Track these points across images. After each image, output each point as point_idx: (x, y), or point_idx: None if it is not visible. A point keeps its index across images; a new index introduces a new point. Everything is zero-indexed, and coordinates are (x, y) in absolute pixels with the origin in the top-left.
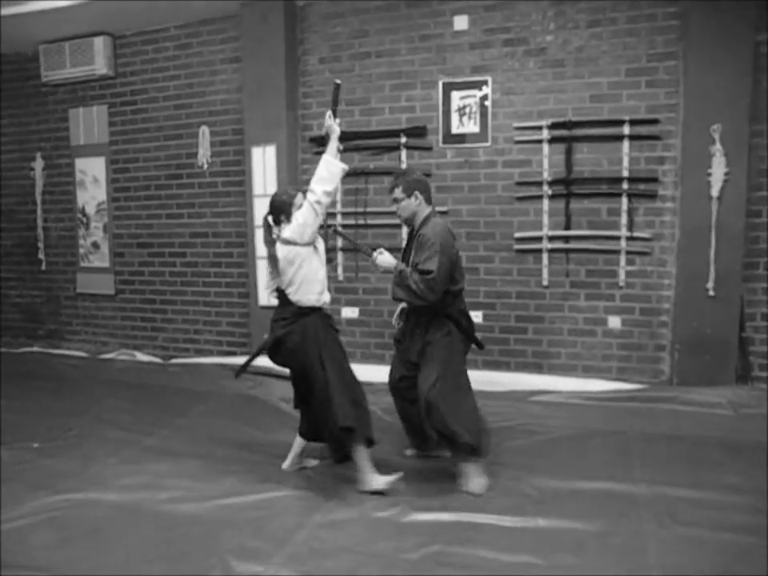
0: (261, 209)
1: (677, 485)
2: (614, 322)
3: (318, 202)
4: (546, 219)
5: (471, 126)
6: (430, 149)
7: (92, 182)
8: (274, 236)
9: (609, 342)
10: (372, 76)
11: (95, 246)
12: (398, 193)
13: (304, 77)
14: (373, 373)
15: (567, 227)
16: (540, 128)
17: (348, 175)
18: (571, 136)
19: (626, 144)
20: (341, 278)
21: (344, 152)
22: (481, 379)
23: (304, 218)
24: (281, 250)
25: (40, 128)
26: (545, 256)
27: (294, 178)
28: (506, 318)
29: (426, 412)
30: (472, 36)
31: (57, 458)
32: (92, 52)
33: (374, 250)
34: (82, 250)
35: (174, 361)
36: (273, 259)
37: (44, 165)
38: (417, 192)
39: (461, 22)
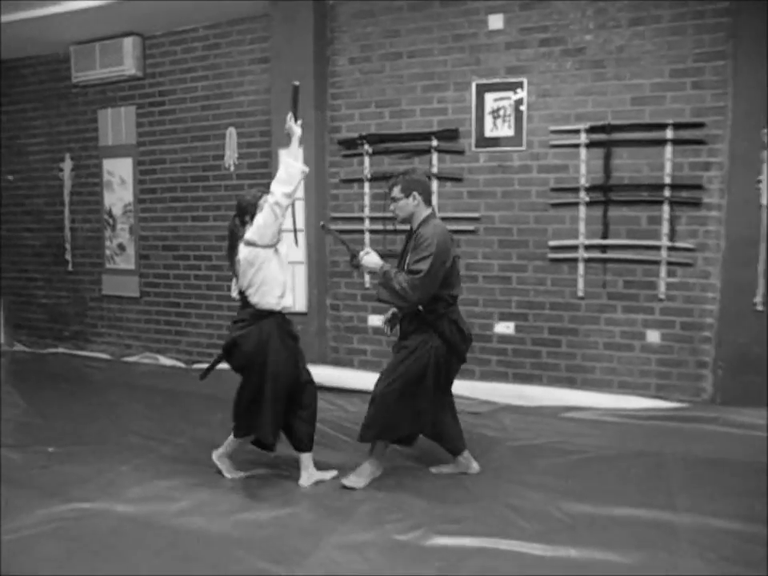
0: (288, 212)
1: (722, 515)
2: (653, 336)
3: (277, 204)
4: (582, 227)
5: (505, 130)
6: (462, 153)
7: (119, 184)
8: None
9: (647, 358)
10: (403, 77)
11: (121, 247)
12: (396, 192)
13: (333, 77)
14: None
15: (605, 236)
16: (577, 132)
17: (377, 179)
18: (610, 140)
19: (668, 149)
20: (368, 284)
21: (373, 155)
22: (510, 393)
23: (264, 220)
24: (242, 251)
25: (69, 129)
26: (581, 266)
27: (323, 181)
28: (539, 329)
29: (370, 404)
30: (507, 35)
31: (71, 463)
32: (121, 53)
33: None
34: (108, 252)
35: (196, 366)
36: (234, 260)
37: (72, 165)
38: (415, 192)
39: (496, 21)
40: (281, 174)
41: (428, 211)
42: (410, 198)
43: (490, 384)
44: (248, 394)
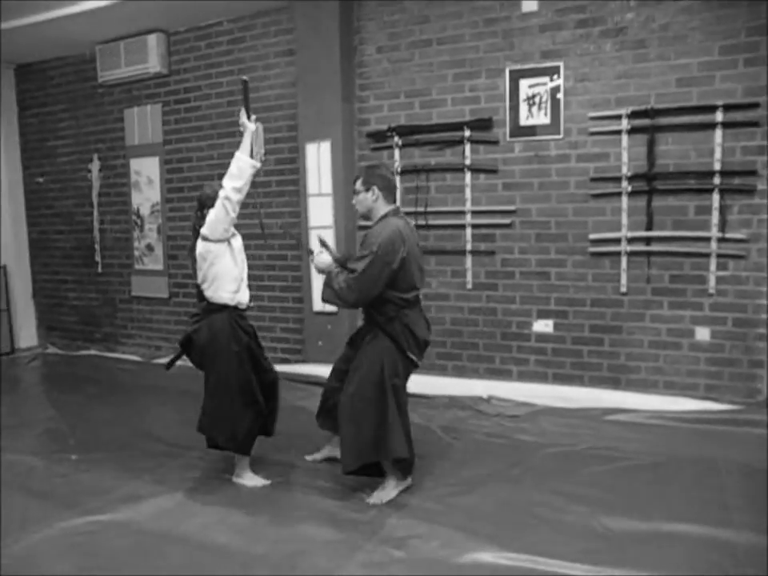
0: (316, 209)
1: None
2: (703, 333)
3: (227, 198)
4: (624, 219)
5: (541, 117)
6: (496, 143)
7: (146, 183)
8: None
9: (696, 357)
10: (433, 65)
11: (149, 248)
12: (358, 185)
13: (361, 68)
14: (431, 386)
15: (649, 227)
16: (618, 117)
17: (407, 172)
18: (654, 125)
19: (718, 133)
20: None
21: (403, 147)
22: (550, 394)
23: (215, 215)
24: (198, 245)
25: (97, 129)
26: (623, 260)
27: (351, 175)
28: (580, 327)
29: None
30: (542, 18)
31: (92, 472)
32: (146, 50)
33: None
34: (136, 253)
35: None
36: (192, 254)
37: (100, 166)
38: (375, 187)
39: (530, 4)
40: (231, 168)
41: (388, 208)
42: (369, 193)
43: (528, 385)
44: (208, 395)
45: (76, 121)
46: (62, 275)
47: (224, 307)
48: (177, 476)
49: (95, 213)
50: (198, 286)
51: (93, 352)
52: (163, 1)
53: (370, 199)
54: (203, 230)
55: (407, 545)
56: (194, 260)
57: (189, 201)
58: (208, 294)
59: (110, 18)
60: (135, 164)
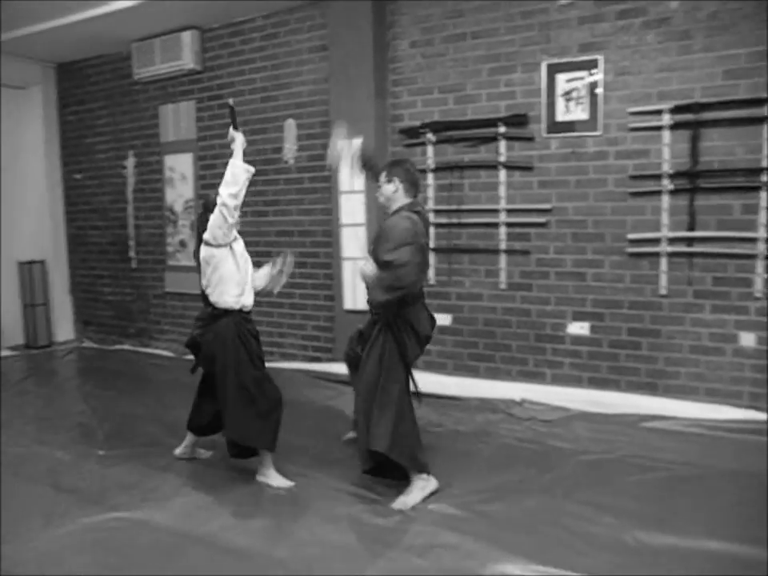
0: (348, 207)
1: None
2: (747, 339)
3: (224, 205)
4: (665, 218)
5: (579, 113)
6: (531, 139)
7: (180, 180)
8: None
9: (740, 363)
10: (467, 59)
11: (182, 244)
12: (382, 177)
13: (394, 63)
14: (462, 387)
15: (691, 227)
16: (660, 112)
17: (441, 170)
18: (698, 120)
19: (766, 128)
20: (432, 281)
21: (437, 144)
22: (585, 399)
23: (214, 220)
24: (201, 250)
25: (132, 126)
26: (663, 260)
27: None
28: (617, 330)
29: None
30: (581, 9)
31: (118, 467)
32: (180, 47)
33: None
34: (170, 249)
35: None
36: (197, 258)
37: (135, 162)
38: (396, 179)
39: None
40: (226, 175)
41: (406, 201)
42: (391, 184)
43: (562, 389)
44: (229, 401)
45: (113, 118)
46: (98, 270)
47: (229, 311)
48: (199, 474)
49: (130, 209)
50: (202, 291)
51: (126, 347)
52: None
53: (391, 190)
54: (205, 235)
55: (430, 553)
56: (199, 264)
57: None
58: (213, 298)
59: (146, 16)
60: (169, 160)
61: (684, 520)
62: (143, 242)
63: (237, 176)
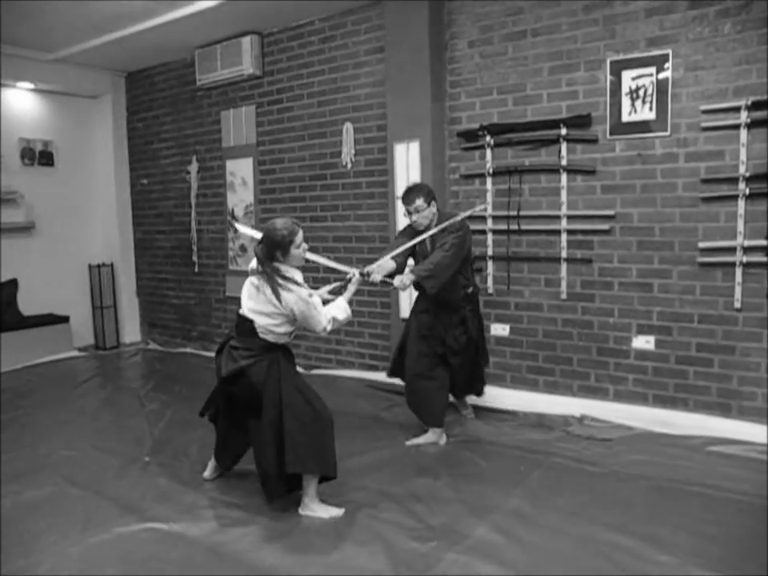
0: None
1: None
2: None
3: (324, 323)
4: (741, 225)
5: (646, 112)
6: (595, 141)
7: (240, 184)
8: (258, 268)
9: None
10: (528, 58)
11: (243, 249)
12: (420, 203)
13: (451, 64)
14: (520, 401)
15: None
16: (737, 109)
17: (500, 173)
18: None
19: None
20: (491, 290)
21: (495, 147)
22: (649, 417)
23: (301, 310)
24: (283, 294)
25: (196, 131)
26: (738, 271)
27: (441, 176)
28: (686, 345)
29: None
30: (648, 1)
31: (160, 476)
32: (240, 52)
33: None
34: (231, 253)
35: (315, 372)
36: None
37: (198, 167)
38: (433, 201)
39: None
40: (340, 302)
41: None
42: (432, 206)
43: (625, 406)
44: (269, 432)
45: (177, 124)
46: (163, 274)
47: (278, 345)
48: (237, 488)
49: (193, 213)
50: (246, 320)
51: (189, 350)
52: (257, 1)
53: (432, 211)
54: (284, 300)
55: None
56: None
57: (281, 202)
58: (266, 336)
59: (207, 22)
60: (231, 165)
61: (752, 561)
62: (205, 247)
63: (344, 311)
